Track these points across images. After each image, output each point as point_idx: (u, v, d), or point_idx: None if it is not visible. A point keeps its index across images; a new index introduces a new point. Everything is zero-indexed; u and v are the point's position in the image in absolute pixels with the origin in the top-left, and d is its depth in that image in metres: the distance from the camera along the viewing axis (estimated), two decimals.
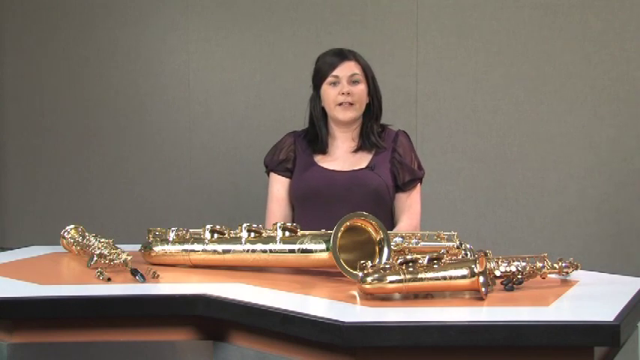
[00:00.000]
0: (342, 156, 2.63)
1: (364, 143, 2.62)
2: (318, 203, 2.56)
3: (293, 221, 2.66)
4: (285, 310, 1.63)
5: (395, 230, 2.57)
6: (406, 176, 2.60)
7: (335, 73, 2.58)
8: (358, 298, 1.74)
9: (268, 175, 2.71)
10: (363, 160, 2.61)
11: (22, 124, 4.08)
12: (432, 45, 3.63)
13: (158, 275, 2.00)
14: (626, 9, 3.43)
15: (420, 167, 2.65)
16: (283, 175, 2.66)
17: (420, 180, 2.65)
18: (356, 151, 2.62)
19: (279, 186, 2.67)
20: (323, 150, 2.63)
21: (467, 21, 3.59)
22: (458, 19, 3.60)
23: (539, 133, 3.54)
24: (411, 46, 3.65)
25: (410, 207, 2.62)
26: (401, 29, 3.66)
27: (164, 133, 3.93)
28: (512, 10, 3.54)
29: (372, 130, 2.62)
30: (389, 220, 2.63)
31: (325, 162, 2.62)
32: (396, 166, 2.60)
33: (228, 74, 3.86)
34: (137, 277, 1.94)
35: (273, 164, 2.67)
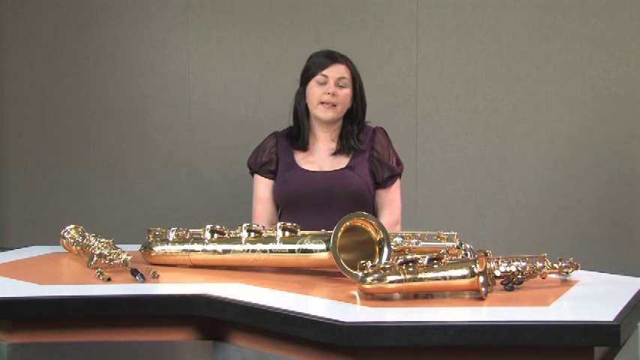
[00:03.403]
0: (323, 157, 2.67)
1: (343, 146, 2.66)
2: (301, 204, 2.60)
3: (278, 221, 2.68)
4: (285, 310, 1.63)
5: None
6: (385, 173, 2.65)
7: (324, 72, 2.61)
8: (358, 298, 1.74)
9: (252, 176, 2.74)
10: (342, 160, 2.65)
11: (22, 124, 4.08)
12: (432, 45, 3.63)
13: (158, 275, 2.00)
14: (626, 9, 3.43)
15: (398, 163, 2.69)
16: (267, 177, 2.71)
17: (399, 175, 2.70)
18: (335, 153, 2.66)
19: (262, 187, 2.71)
20: (304, 146, 2.67)
21: (467, 21, 3.59)
22: (458, 19, 3.60)
23: (539, 133, 3.54)
24: (411, 46, 3.65)
25: (391, 202, 2.67)
26: (401, 29, 3.66)
27: (164, 133, 3.93)
28: (512, 10, 3.54)
29: (351, 134, 2.66)
30: None
31: (306, 163, 2.66)
32: (374, 164, 2.65)
33: (228, 74, 3.86)
34: (137, 277, 1.94)
35: (257, 166, 2.72)
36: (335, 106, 2.60)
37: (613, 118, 3.46)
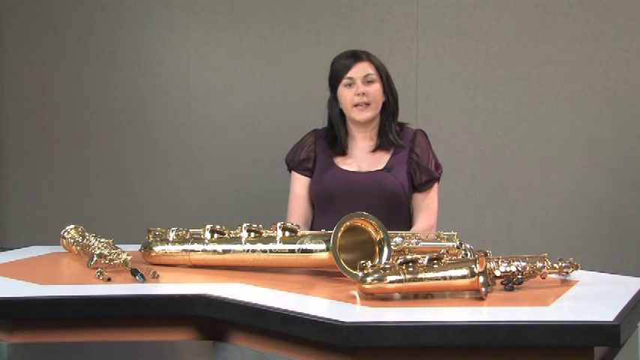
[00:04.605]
0: (361, 156, 2.65)
1: (382, 142, 2.64)
2: (336, 204, 2.58)
3: (313, 219, 2.68)
4: (285, 310, 1.63)
5: (412, 230, 2.57)
6: (423, 177, 2.62)
7: (349, 74, 2.60)
8: (358, 298, 1.74)
9: (290, 173, 2.73)
10: (381, 161, 2.63)
11: (22, 124, 4.08)
12: (432, 45, 3.63)
13: (158, 275, 2.00)
14: (626, 9, 3.43)
15: (437, 167, 2.66)
16: (304, 174, 2.69)
17: (438, 179, 2.66)
18: (374, 150, 2.64)
19: (299, 184, 2.69)
20: (342, 151, 2.65)
21: (467, 21, 3.59)
22: (458, 19, 3.60)
23: (539, 133, 3.54)
24: (411, 46, 3.65)
25: (427, 207, 2.63)
26: (401, 29, 3.66)
27: (164, 133, 3.93)
28: (512, 10, 3.54)
29: (390, 128, 2.64)
30: (407, 221, 2.64)
31: (344, 163, 2.64)
32: (413, 166, 2.62)
33: (228, 74, 3.86)
34: (137, 277, 1.94)
35: (295, 163, 2.70)
36: (368, 104, 2.59)
37: (613, 118, 3.46)
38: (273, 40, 3.79)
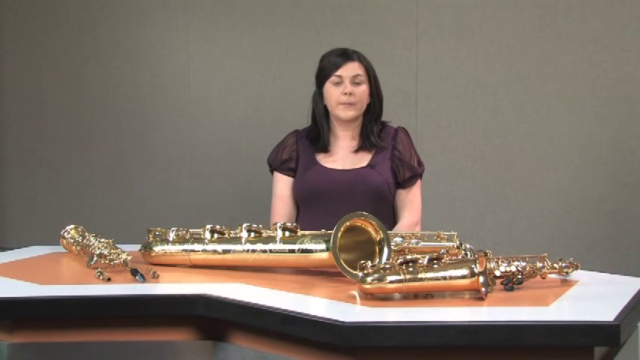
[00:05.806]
0: (344, 155, 2.66)
1: (364, 143, 2.64)
2: (320, 202, 2.59)
3: (297, 219, 2.68)
4: (285, 310, 1.63)
5: (397, 226, 2.61)
6: (406, 173, 2.63)
7: (338, 73, 2.60)
8: (358, 298, 1.74)
9: (272, 173, 2.72)
10: (363, 159, 2.64)
11: (22, 124, 4.08)
12: (432, 45, 3.63)
13: (158, 275, 2.00)
14: (626, 9, 3.43)
15: (419, 163, 2.68)
16: (286, 174, 2.69)
17: (420, 176, 2.68)
18: (356, 150, 2.64)
19: (282, 184, 2.69)
20: (325, 148, 2.66)
21: (467, 21, 3.59)
22: (458, 19, 3.60)
23: (539, 133, 3.54)
24: (411, 46, 3.65)
25: (411, 203, 2.65)
26: (401, 29, 3.66)
27: (164, 133, 3.93)
28: (512, 10, 3.54)
29: (371, 130, 2.65)
30: (391, 217, 2.66)
31: (327, 161, 2.65)
32: (396, 163, 2.63)
33: (228, 74, 3.86)
34: (137, 277, 1.94)
35: (277, 164, 2.70)
36: (354, 104, 2.59)
37: (613, 118, 3.46)
38: (273, 40, 3.79)
